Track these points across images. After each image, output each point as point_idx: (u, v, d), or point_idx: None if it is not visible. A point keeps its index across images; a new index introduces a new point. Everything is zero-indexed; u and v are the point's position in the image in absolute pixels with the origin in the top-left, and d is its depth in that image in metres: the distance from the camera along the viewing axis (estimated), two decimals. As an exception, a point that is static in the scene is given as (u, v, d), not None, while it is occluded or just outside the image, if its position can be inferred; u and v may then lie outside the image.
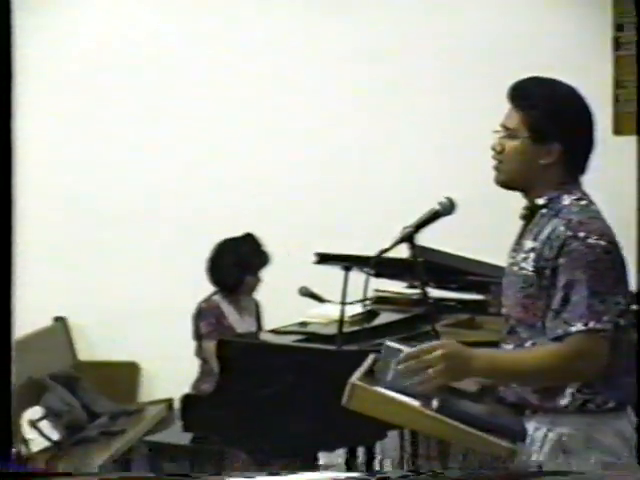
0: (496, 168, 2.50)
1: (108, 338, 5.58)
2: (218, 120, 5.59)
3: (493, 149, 2.48)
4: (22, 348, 5.16)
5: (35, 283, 5.55)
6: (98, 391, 5.24)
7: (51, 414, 4.83)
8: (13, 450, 4.64)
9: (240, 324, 4.71)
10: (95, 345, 5.63)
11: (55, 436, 4.76)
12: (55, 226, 5.62)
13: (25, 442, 4.70)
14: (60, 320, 5.59)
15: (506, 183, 2.50)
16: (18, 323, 5.23)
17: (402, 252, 3.03)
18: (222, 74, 5.64)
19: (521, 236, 2.50)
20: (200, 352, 4.69)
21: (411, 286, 4.25)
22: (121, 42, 5.68)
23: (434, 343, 2.38)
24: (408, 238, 2.93)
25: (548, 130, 2.42)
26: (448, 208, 2.87)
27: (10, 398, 2.43)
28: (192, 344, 4.73)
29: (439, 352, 2.32)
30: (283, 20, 5.62)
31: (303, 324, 4.06)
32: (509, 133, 2.46)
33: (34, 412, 4.80)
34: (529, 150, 2.44)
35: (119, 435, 4.95)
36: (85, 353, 5.64)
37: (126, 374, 5.54)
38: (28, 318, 5.39)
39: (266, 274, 4.74)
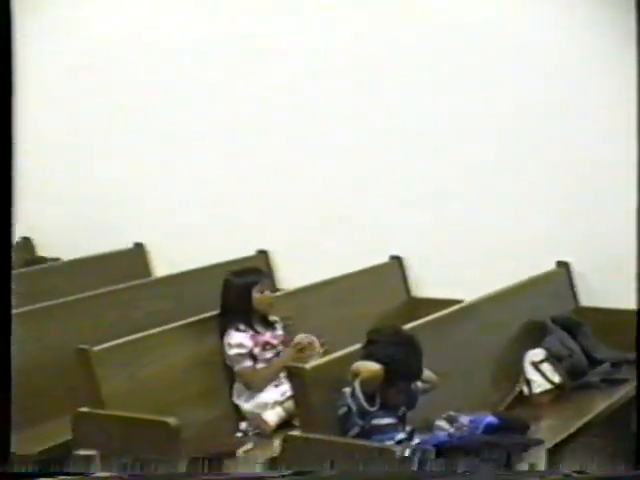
0: None
1: (610, 284, 5.50)
2: None
3: None
4: (523, 290, 5.28)
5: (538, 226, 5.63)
6: (598, 337, 5.19)
7: (552, 357, 4.86)
8: (516, 389, 4.77)
9: None
10: (596, 291, 5.58)
11: (556, 379, 4.80)
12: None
13: (527, 382, 4.79)
14: (563, 265, 5.61)
15: None
16: (523, 264, 5.40)
17: None
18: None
19: None
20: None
21: None
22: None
23: None
24: None
25: None
26: None
27: (9, 401, 2.42)
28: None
29: None
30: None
31: None
32: None
33: (536, 354, 4.86)
34: None
35: (621, 383, 4.87)
36: (586, 298, 5.62)
37: (627, 321, 5.41)
38: (532, 260, 5.53)
39: None
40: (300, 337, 4.71)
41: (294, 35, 6.18)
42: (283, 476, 3.38)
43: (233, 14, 6.34)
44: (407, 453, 3.65)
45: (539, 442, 3.96)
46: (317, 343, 4.70)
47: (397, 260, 6.06)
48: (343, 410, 3.83)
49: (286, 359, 4.61)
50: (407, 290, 6.08)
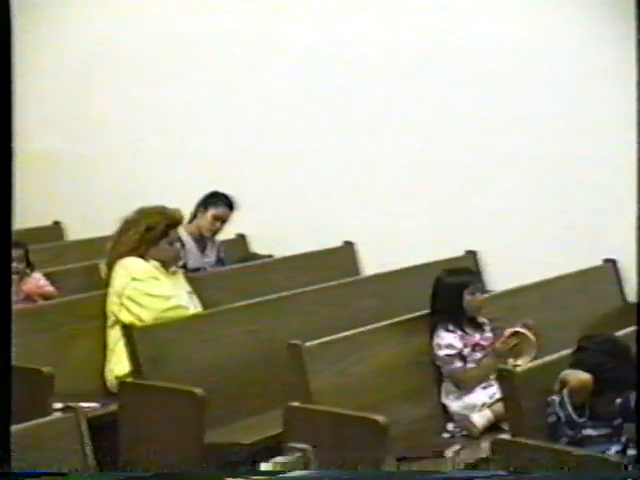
0: None
1: None
2: None
3: None
4: None
5: None
6: None
7: None
8: None
9: None
10: None
11: None
12: None
13: None
14: None
15: None
16: None
17: None
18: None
19: None
20: None
21: None
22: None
23: None
24: None
25: None
26: None
27: (10, 401, 2.35)
28: None
29: None
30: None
31: None
32: None
33: None
34: None
35: None
36: None
37: None
38: None
39: None
40: (512, 330, 4.58)
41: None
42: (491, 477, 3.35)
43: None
44: (621, 463, 3.54)
45: None
46: (531, 334, 4.53)
47: (612, 263, 5.87)
48: (552, 419, 3.74)
49: (498, 354, 4.54)
50: (622, 295, 5.88)
